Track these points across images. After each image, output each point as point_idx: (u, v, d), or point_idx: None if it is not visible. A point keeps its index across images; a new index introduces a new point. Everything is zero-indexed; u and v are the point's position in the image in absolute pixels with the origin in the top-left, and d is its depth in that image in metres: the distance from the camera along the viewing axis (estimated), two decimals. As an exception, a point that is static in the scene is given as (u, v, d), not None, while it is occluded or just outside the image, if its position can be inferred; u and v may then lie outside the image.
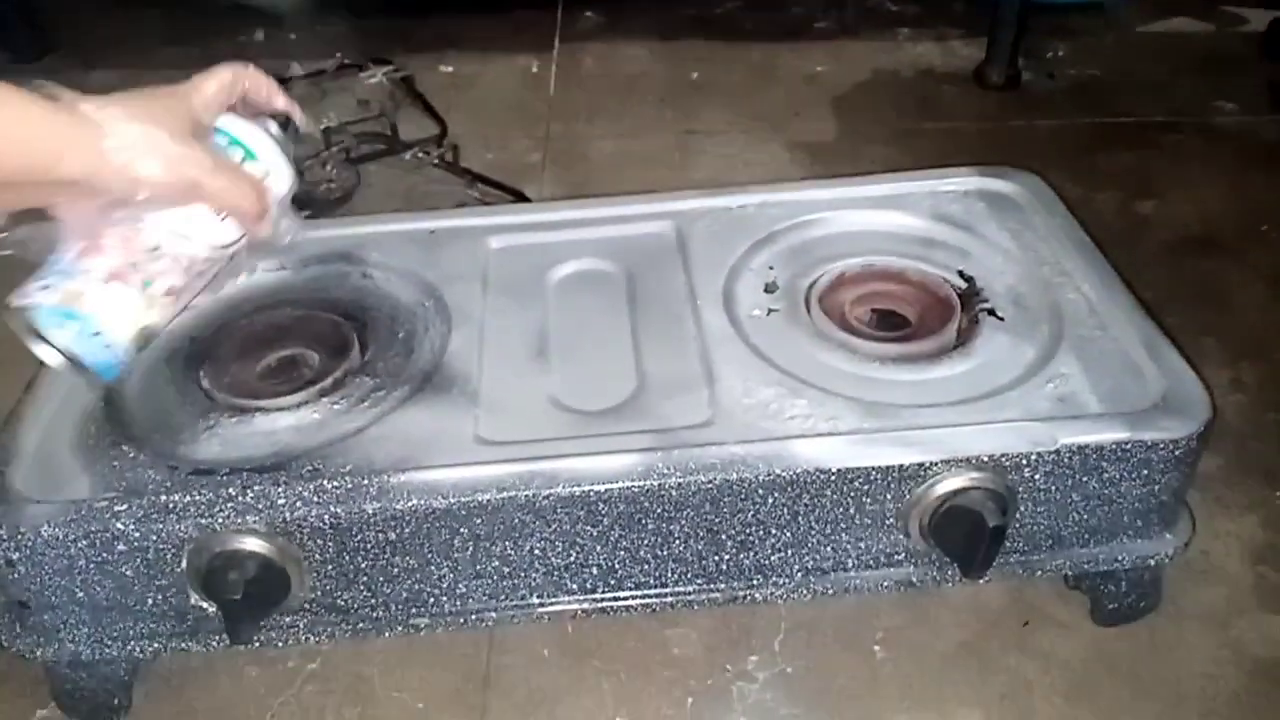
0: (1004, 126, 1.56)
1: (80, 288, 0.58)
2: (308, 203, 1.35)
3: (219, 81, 0.61)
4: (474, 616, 0.75)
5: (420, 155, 1.46)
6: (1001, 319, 0.83)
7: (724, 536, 0.73)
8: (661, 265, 0.91)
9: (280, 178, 0.63)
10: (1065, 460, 0.71)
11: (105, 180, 0.54)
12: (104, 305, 0.59)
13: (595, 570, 0.74)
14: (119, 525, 0.68)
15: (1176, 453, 0.72)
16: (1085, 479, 0.72)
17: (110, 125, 0.54)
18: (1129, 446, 0.71)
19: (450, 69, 1.74)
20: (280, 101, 0.65)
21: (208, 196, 0.58)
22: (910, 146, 1.50)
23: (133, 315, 0.60)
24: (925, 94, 1.66)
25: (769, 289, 0.88)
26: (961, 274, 0.88)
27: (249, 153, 0.62)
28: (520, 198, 1.38)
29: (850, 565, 0.76)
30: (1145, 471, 0.72)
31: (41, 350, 0.58)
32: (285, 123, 0.65)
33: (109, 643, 0.74)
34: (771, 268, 0.90)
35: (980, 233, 0.93)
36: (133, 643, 0.74)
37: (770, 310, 0.85)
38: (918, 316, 0.86)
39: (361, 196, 1.40)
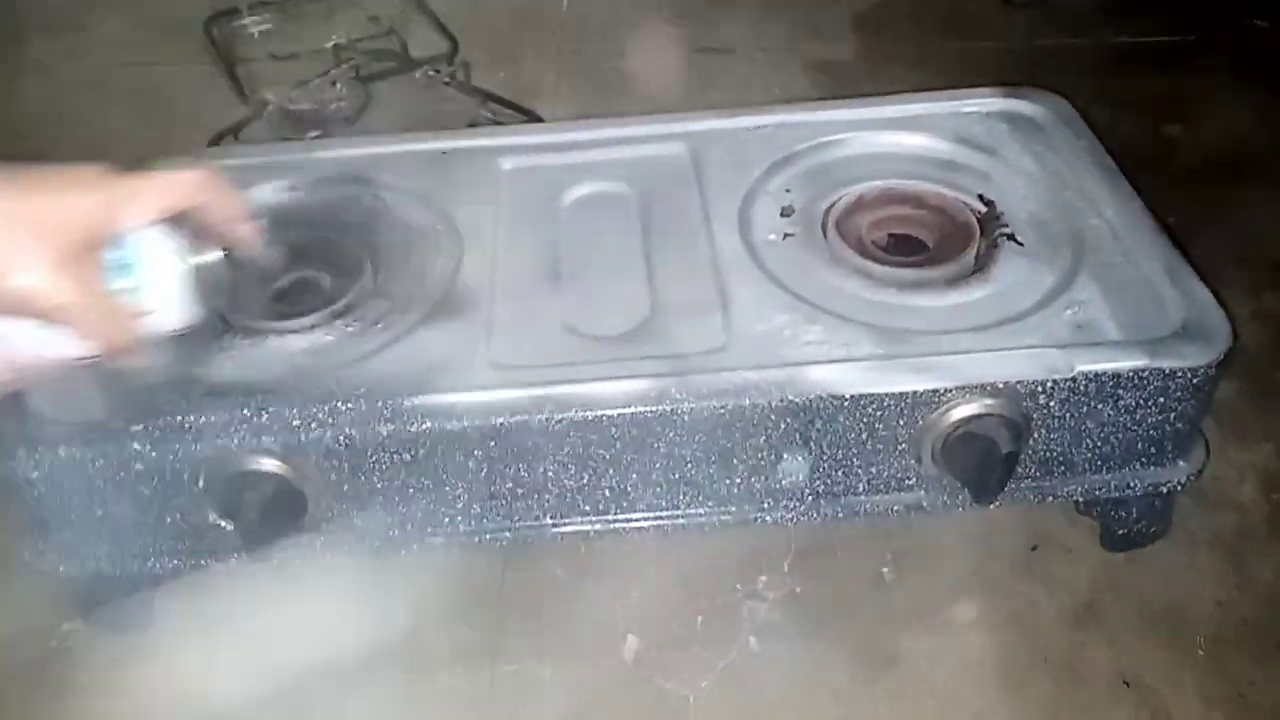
0: (1030, 46, 1.52)
1: None
2: (318, 121, 1.34)
3: (175, 187, 0.53)
4: (488, 536, 0.76)
5: (431, 73, 1.43)
6: (1021, 244, 0.82)
7: (736, 461, 0.73)
8: (676, 188, 0.89)
9: (170, 316, 0.55)
10: (1081, 387, 0.70)
11: None
12: None
13: (607, 493, 0.75)
14: (135, 446, 0.69)
15: (1194, 381, 0.71)
16: (1101, 406, 0.72)
17: None
18: (1146, 374, 0.70)
19: (461, -17, 1.70)
20: (238, 233, 0.57)
21: (68, 324, 0.51)
22: (932, 66, 1.46)
23: None
24: (949, 12, 1.61)
25: (785, 212, 0.87)
26: (982, 198, 0.87)
27: (142, 286, 0.53)
28: (533, 118, 1.36)
29: (861, 489, 0.76)
30: (1162, 399, 0.72)
31: None
32: (230, 251, 0.57)
33: (129, 559, 0.75)
34: (788, 190, 0.89)
35: (1002, 155, 0.91)
36: (152, 559, 0.76)
37: (786, 234, 0.84)
38: (936, 241, 0.85)
39: (371, 115, 1.38)
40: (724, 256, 0.81)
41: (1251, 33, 1.52)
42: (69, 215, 0.50)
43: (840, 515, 0.77)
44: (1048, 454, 0.75)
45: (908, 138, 0.94)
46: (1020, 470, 0.74)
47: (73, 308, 0.50)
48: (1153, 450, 0.76)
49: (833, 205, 0.87)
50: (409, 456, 0.71)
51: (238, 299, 0.59)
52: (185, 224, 0.55)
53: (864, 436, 0.72)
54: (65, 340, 0.52)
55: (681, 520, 0.77)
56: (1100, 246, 0.80)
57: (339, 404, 0.70)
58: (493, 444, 0.71)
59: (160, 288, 0.54)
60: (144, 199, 0.52)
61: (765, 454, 0.73)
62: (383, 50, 1.47)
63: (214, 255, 0.56)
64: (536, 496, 0.74)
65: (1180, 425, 0.74)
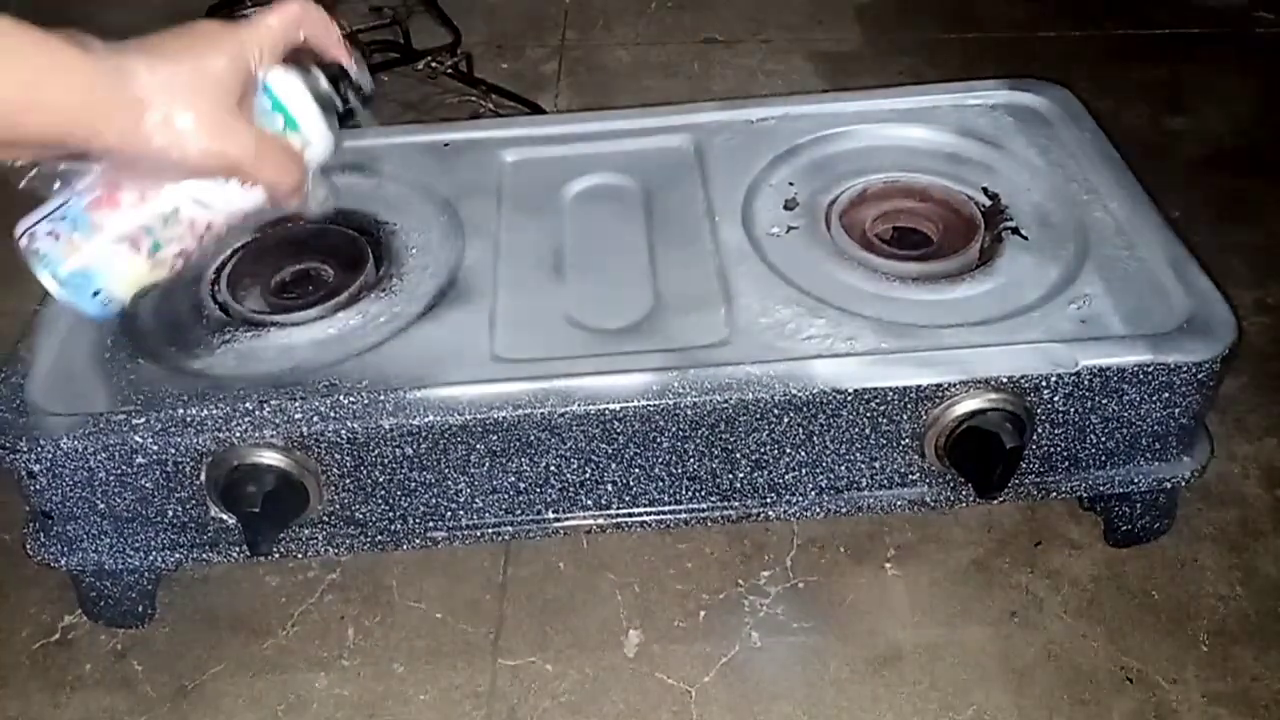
0: (1034, 37, 1.51)
1: (87, 245, 0.55)
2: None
3: (281, 25, 0.55)
4: (491, 530, 0.76)
5: (433, 64, 1.43)
6: (1025, 238, 0.81)
7: (739, 455, 0.73)
8: (679, 180, 0.89)
9: (319, 147, 0.58)
10: (1086, 382, 0.70)
11: (138, 155, 0.50)
12: (108, 266, 0.56)
13: (610, 486, 0.74)
14: (137, 438, 0.68)
15: (1199, 376, 0.71)
16: (1105, 401, 0.72)
17: (154, 95, 0.49)
18: (1151, 369, 0.70)
19: (463, -27, 1.70)
20: (339, 53, 0.59)
21: (246, 176, 0.54)
22: (937, 58, 1.46)
23: (135, 277, 0.57)
24: (953, 3, 1.60)
25: (789, 205, 0.86)
26: (986, 191, 0.86)
27: (290, 121, 0.57)
28: (535, 109, 1.36)
29: (864, 484, 0.76)
30: (1166, 394, 0.72)
31: (43, 278, 0.56)
32: (337, 74, 0.59)
33: (131, 552, 0.75)
34: (792, 183, 0.88)
35: (1007, 148, 0.90)
36: (154, 553, 0.76)
37: (790, 228, 0.84)
38: (940, 234, 0.85)
39: (374, 106, 1.37)
40: (727, 250, 0.81)
41: (1255, 24, 1.51)
42: (220, 74, 0.52)
43: (843, 510, 0.77)
44: (1051, 449, 0.74)
45: (912, 130, 0.94)
46: (1024, 465, 0.74)
47: (254, 159, 0.53)
48: (1157, 445, 0.75)
49: (836, 198, 0.86)
50: (411, 449, 0.71)
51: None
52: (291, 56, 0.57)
53: (867, 431, 0.72)
54: (239, 193, 0.56)
55: (684, 514, 0.76)
56: (1105, 240, 0.80)
57: (341, 397, 0.70)
58: (495, 437, 0.71)
59: (305, 120, 0.57)
60: (268, 39, 0.54)
61: (768, 449, 0.73)
62: (385, 41, 1.47)
63: (325, 82, 0.58)
64: (539, 490, 0.74)
65: (1184, 420, 0.74)
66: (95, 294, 0.57)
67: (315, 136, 0.58)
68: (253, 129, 0.54)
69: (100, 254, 0.56)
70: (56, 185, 0.55)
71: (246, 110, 0.54)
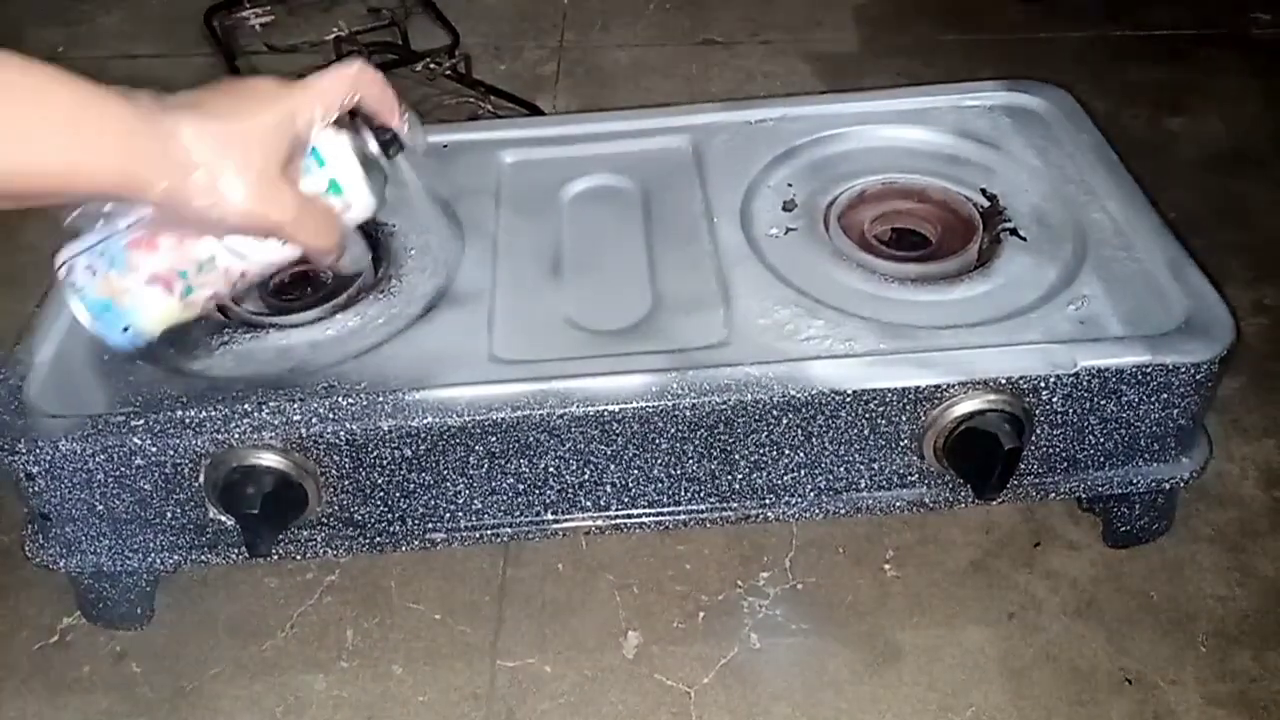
0: (1032, 38, 1.51)
1: (122, 284, 0.56)
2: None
3: (335, 88, 0.55)
4: (489, 532, 0.76)
5: (432, 66, 1.43)
6: (1024, 239, 0.81)
7: (738, 456, 0.73)
8: (677, 181, 0.89)
9: (360, 209, 0.59)
10: (1084, 383, 0.70)
11: (181, 211, 0.50)
12: (140, 305, 0.57)
13: (609, 488, 0.74)
14: (136, 440, 0.68)
15: (1197, 377, 0.71)
16: (1104, 402, 0.72)
17: (200, 156, 0.49)
18: (1149, 370, 0.70)
19: (461, -25, 1.70)
20: (392, 118, 0.58)
21: (284, 237, 0.55)
22: (935, 59, 1.46)
23: (165, 317, 0.59)
24: (951, 4, 1.60)
25: (787, 207, 0.86)
26: (984, 192, 0.86)
27: (334, 185, 0.57)
28: (534, 111, 1.36)
29: (863, 485, 0.76)
30: (1165, 395, 0.72)
31: (75, 309, 0.58)
32: (389, 140, 0.60)
33: (130, 554, 0.75)
34: (790, 184, 0.89)
35: (1005, 149, 0.91)
36: (153, 554, 0.76)
37: (788, 229, 0.84)
38: (939, 236, 0.85)
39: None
40: (726, 251, 0.81)
41: (1253, 25, 1.51)
42: (268, 135, 0.52)
43: (842, 511, 0.77)
44: (1050, 450, 0.74)
45: (910, 131, 0.94)
46: (1023, 466, 0.74)
47: (293, 223, 0.53)
48: (1155, 446, 0.76)
49: (835, 199, 0.86)
50: (410, 451, 0.71)
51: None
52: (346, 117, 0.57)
53: (866, 432, 0.72)
54: (276, 248, 0.57)
55: (683, 516, 0.76)
56: (1103, 241, 0.80)
57: (340, 398, 0.70)
58: (494, 439, 0.71)
59: (348, 183, 0.57)
60: (320, 102, 0.54)
61: (767, 450, 0.73)
62: (384, 43, 1.47)
63: (374, 144, 0.59)
64: (537, 491, 0.74)
65: (1183, 421, 0.74)
66: (125, 329, 0.58)
67: (357, 200, 0.58)
68: (295, 193, 0.54)
69: (134, 293, 0.57)
70: (100, 222, 0.56)
71: (293, 171, 0.54)
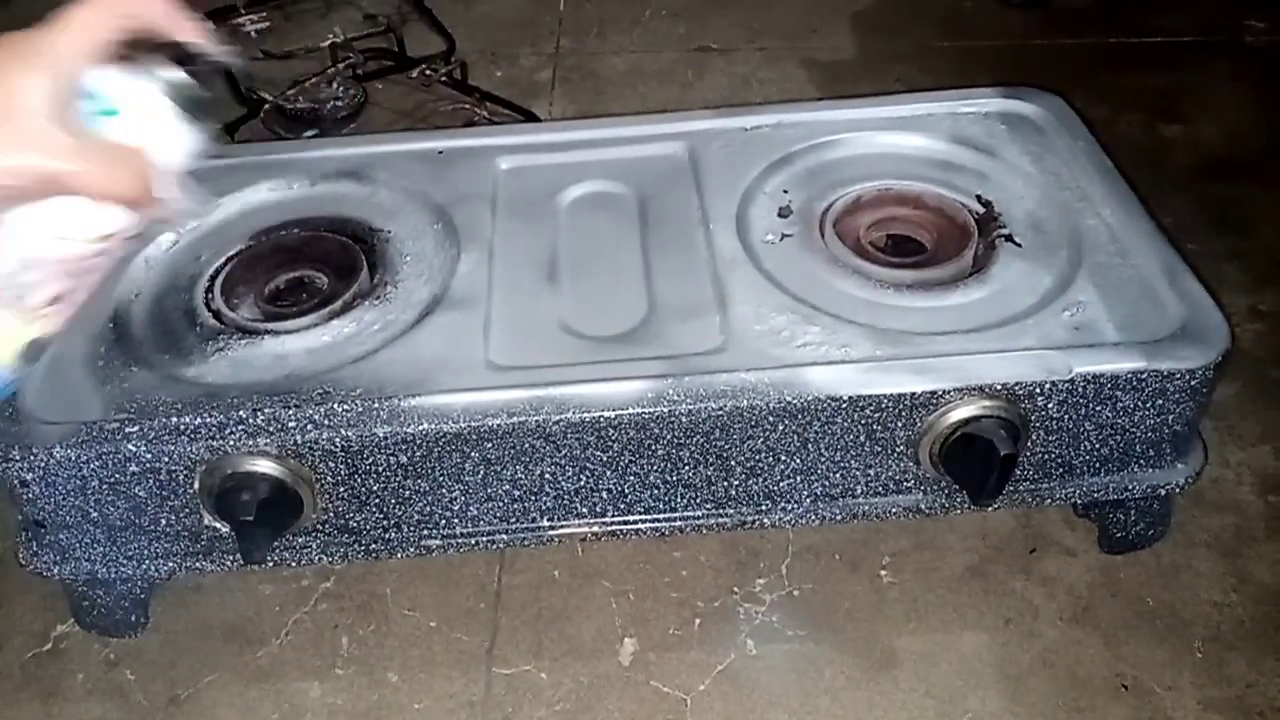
0: (1028, 45, 1.51)
1: None
2: (315, 120, 1.34)
3: (94, 19, 0.47)
4: (485, 538, 0.76)
5: (428, 72, 1.43)
6: (1019, 245, 0.82)
7: (734, 463, 0.73)
8: (673, 187, 0.89)
9: (170, 143, 0.50)
10: (1080, 389, 0.70)
11: None
12: None
13: (605, 494, 0.74)
14: (130, 447, 0.68)
15: (1193, 383, 0.71)
16: (1099, 408, 0.72)
17: None
18: (1145, 376, 0.70)
19: (458, -18, 1.70)
20: (184, 32, 0.50)
21: (73, 188, 0.47)
22: (931, 65, 1.46)
23: (9, 336, 0.49)
24: (947, 11, 1.61)
25: (783, 213, 0.86)
26: (980, 198, 0.86)
27: (130, 126, 0.49)
28: (530, 117, 1.36)
29: (859, 492, 0.76)
30: (1160, 401, 0.72)
31: None
32: (189, 57, 0.51)
33: (124, 561, 0.75)
34: (786, 191, 0.89)
35: (1001, 156, 0.91)
36: (148, 562, 0.75)
37: (784, 235, 0.84)
38: (934, 242, 0.85)
39: (368, 114, 1.38)
40: (722, 257, 0.81)
41: (1248, 33, 1.52)
42: (17, 88, 0.45)
43: (838, 517, 0.77)
44: (1046, 456, 0.74)
45: (905, 138, 0.94)
46: (1019, 472, 0.74)
47: (75, 167, 0.46)
48: (1151, 452, 0.76)
49: (830, 206, 0.86)
50: (405, 458, 0.70)
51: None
52: (128, 48, 0.49)
53: (862, 438, 0.72)
54: (95, 215, 0.48)
55: (679, 522, 0.76)
56: (1099, 247, 0.80)
57: (335, 405, 0.70)
58: (489, 445, 0.70)
59: (151, 121, 0.49)
60: (83, 34, 0.47)
61: (763, 456, 0.73)
62: (380, 49, 1.47)
63: (177, 71, 0.50)
64: (533, 498, 0.74)
65: (1178, 427, 0.74)
66: None
67: (161, 130, 0.49)
68: (65, 136, 0.46)
69: None
70: None
71: (72, 119, 0.47)
